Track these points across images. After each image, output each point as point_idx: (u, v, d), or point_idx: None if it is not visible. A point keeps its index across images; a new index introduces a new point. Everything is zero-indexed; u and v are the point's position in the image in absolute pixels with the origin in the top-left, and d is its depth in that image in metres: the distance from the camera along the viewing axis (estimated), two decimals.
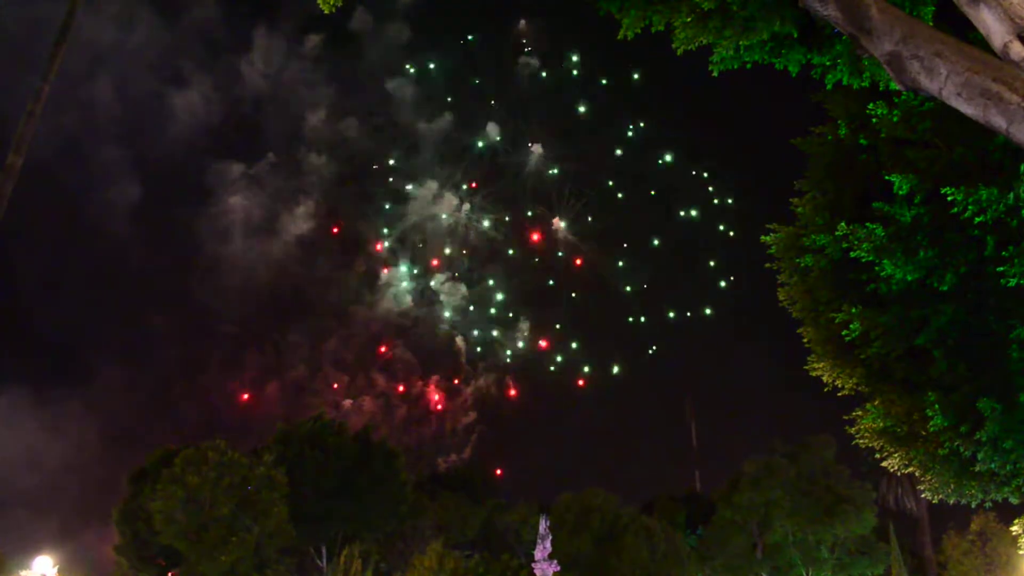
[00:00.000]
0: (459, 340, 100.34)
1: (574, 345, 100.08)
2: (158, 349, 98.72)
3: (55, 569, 38.80)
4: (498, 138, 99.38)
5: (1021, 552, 27.89)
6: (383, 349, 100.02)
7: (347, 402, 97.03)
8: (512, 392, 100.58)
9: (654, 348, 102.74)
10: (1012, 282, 14.56)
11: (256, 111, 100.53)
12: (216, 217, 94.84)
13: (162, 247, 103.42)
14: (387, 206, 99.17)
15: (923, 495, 20.37)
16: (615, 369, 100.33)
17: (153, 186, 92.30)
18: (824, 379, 19.87)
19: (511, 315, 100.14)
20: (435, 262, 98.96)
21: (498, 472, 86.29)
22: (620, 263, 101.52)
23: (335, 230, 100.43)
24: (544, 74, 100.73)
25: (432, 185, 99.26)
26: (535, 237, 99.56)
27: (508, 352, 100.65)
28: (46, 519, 67.62)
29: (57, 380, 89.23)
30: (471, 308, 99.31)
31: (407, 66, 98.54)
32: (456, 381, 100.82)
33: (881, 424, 18.65)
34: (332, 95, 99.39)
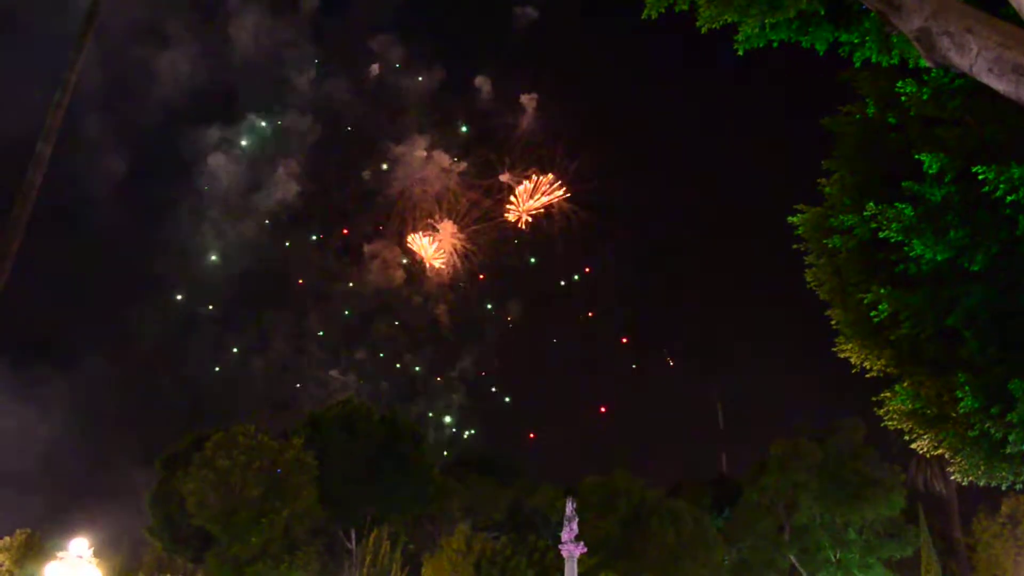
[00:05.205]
0: (444, 315, 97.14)
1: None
2: (140, 329, 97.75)
3: (91, 551, 39.59)
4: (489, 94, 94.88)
5: None
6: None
7: (334, 373, 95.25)
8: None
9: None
10: None
11: (239, 74, 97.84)
12: (198, 189, 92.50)
13: (144, 224, 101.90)
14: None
15: (953, 477, 20.18)
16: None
17: (135, 159, 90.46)
18: (852, 361, 19.70)
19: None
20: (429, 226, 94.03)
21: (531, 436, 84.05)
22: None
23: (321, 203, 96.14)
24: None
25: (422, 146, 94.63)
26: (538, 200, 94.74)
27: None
28: (32, 498, 68.32)
29: (39, 361, 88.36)
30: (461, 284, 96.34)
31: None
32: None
33: (910, 406, 18.48)
34: (319, 55, 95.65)
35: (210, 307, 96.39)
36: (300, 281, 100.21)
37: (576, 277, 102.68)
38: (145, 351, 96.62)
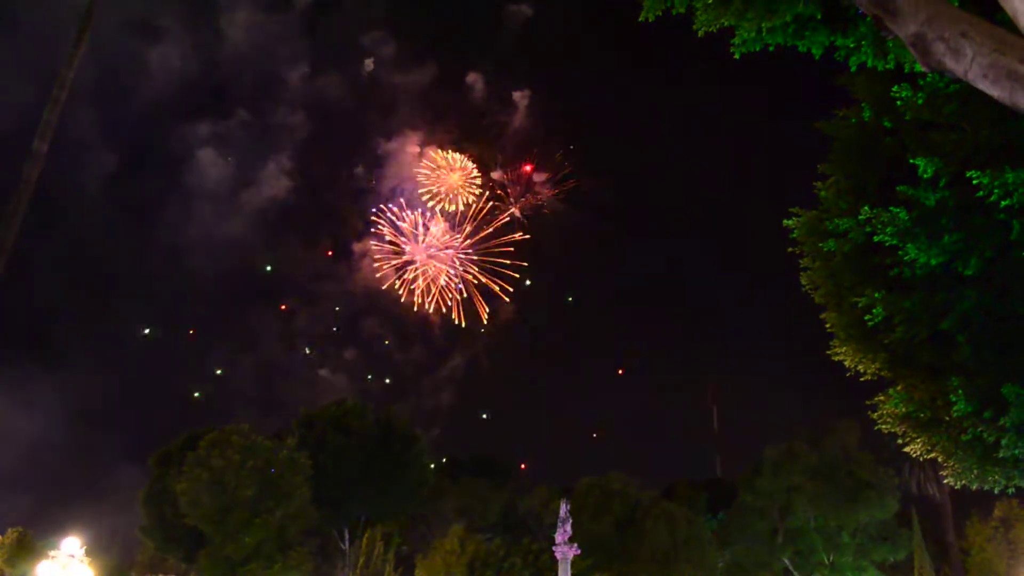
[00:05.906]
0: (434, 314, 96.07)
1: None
2: (129, 328, 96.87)
3: (83, 550, 39.43)
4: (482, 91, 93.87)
5: None
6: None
7: (322, 371, 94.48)
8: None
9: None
10: None
11: (230, 70, 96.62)
12: (188, 185, 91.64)
13: (134, 222, 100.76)
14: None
15: (946, 481, 20.26)
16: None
17: (125, 155, 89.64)
18: (847, 364, 19.76)
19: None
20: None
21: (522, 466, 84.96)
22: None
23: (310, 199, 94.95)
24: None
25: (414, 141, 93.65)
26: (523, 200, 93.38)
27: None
28: (24, 497, 67.95)
29: (31, 359, 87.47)
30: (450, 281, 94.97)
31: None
32: None
33: (904, 409, 18.54)
34: (311, 51, 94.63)
35: (200, 305, 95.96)
36: (289, 279, 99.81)
37: (570, 292, 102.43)
38: (136, 349, 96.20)
